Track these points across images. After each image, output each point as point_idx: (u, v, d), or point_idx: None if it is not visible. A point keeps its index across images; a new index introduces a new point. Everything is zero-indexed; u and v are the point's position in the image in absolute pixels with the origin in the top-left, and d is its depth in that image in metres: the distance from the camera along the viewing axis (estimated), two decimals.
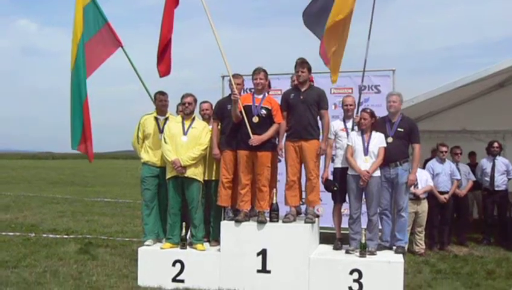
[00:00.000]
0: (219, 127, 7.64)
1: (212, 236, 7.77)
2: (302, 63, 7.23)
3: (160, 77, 8.35)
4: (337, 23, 7.32)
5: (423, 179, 9.41)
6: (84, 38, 8.27)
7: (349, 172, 7.27)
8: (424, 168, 9.93)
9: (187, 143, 7.41)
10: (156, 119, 8.02)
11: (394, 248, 7.35)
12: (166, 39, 8.11)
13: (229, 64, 7.45)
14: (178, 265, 7.23)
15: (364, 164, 7.17)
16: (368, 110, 7.35)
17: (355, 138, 7.26)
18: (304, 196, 7.49)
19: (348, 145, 7.28)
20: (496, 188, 10.38)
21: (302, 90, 7.24)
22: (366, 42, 7.91)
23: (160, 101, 8.09)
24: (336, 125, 7.59)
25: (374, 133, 7.29)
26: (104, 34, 8.56)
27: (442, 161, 9.94)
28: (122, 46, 8.62)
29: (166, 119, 7.98)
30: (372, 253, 6.99)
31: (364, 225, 7.28)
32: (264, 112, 7.14)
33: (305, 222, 7.08)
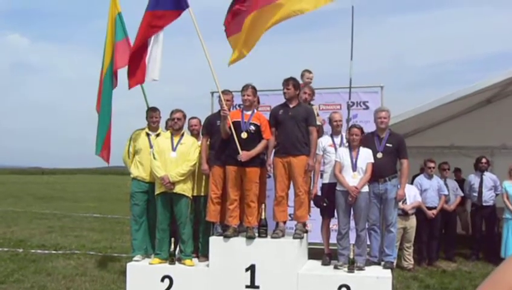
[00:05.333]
0: (208, 142, 7.67)
1: (201, 252, 7.76)
2: (287, 80, 7.32)
3: (129, 88, 8.22)
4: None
5: (411, 195, 9.44)
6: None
7: (338, 188, 7.30)
8: (412, 183, 9.97)
9: (176, 159, 7.43)
10: (148, 135, 8.04)
11: (383, 263, 7.37)
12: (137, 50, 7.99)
13: (218, 80, 7.51)
14: (167, 281, 7.22)
15: (353, 179, 7.20)
16: (358, 127, 7.42)
17: (343, 154, 7.31)
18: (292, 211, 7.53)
19: (336, 161, 7.32)
20: (484, 204, 10.43)
21: (291, 106, 7.30)
22: (354, 58, 8.04)
23: (151, 117, 8.12)
24: (324, 141, 7.64)
25: (361, 148, 7.35)
26: (119, 47, 8.47)
27: (429, 177, 9.99)
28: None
29: (158, 135, 8.00)
30: (361, 268, 7.02)
31: (352, 241, 7.30)
32: (252, 128, 7.19)
33: (294, 238, 7.10)
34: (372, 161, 7.31)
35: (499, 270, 1.25)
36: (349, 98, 8.34)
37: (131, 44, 8.42)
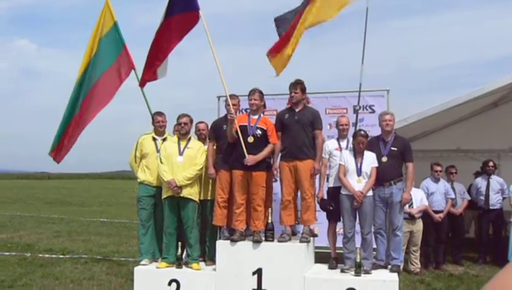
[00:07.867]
0: (215, 147, 7.69)
1: (208, 255, 7.79)
2: (295, 84, 7.34)
3: (143, 86, 8.69)
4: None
5: (418, 199, 9.42)
6: (103, 68, 8.76)
7: (343, 192, 7.29)
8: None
9: (183, 163, 7.46)
10: (154, 139, 8.07)
11: (389, 266, 7.38)
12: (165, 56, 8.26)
13: (226, 84, 7.54)
14: (174, 284, 7.24)
15: (358, 184, 7.20)
16: (363, 133, 7.38)
17: (348, 158, 7.30)
18: (299, 215, 7.53)
19: (340, 164, 7.32)
20: (491, 207, 10.39)
21: (297, 110, 7.32)
22: (360, 61, 8.07)
23: (157, 122, 8.14)
24: (331, 144, 7.64)
25: (366, 153, 7.34)
26: (120, 60, 8.75)
27: (436, 180, 9.96)
28: (134, 69, 8.77)
29: (164, 139, 8.03)
30: (367, 272, 7.02)
31: (358, 244, 7.30)
32: (259, 132, 7.20)
33: (300, 241, 7.11)
34: (377, 164, 7.31)
35: (499, 276, 1.24)
36: (358, 103, 8.33)
37: (129, 52, 8.67)
